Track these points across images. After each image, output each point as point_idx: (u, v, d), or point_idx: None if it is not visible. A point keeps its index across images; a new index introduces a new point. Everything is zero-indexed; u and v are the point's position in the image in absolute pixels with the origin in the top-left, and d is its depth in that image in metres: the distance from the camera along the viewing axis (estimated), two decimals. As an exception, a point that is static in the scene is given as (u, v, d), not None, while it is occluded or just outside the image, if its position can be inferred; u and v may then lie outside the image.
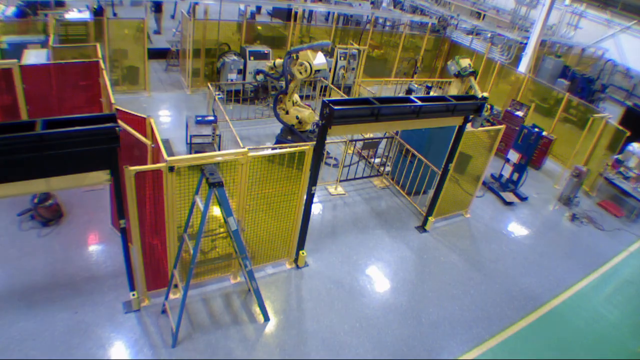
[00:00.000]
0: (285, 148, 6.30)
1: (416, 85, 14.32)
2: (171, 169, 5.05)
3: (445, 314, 6.83)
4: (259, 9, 21.65)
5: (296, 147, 6.26)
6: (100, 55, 8.45)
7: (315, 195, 6.87)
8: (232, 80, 12.27)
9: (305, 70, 8.48)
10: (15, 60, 7.22)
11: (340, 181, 9.45)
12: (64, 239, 6.76)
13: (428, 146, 9.10)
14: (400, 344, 6.16)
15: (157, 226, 5.54)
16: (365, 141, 10.01)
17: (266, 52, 12.69)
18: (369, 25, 16.13)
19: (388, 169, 10.23)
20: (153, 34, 15.16)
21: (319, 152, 6.11)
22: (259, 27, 14.48)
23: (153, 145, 5.81)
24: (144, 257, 5.56)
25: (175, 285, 6.08)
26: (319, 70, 8.62)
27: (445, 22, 17.78)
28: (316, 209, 8.66)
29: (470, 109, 7.30)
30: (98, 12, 12.57)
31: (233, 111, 11.53)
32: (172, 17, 18.43)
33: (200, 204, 4.99)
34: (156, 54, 13.81)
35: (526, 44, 15.28)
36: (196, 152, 8.31)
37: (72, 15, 11.06)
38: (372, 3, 20.99)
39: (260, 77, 10.15)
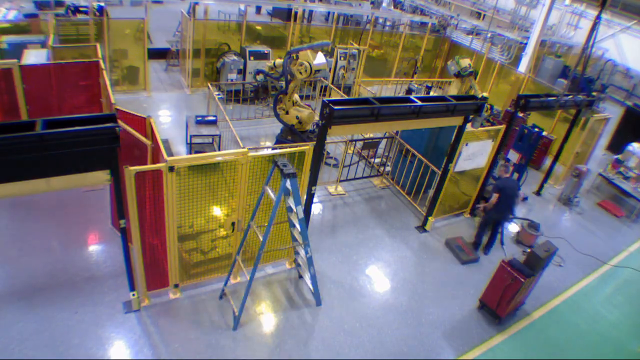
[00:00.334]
0: (285, 148, 6.30)
1: (416, 85, 14.32)
2: (171, 169, 5.06)
3: (445, 314, 6.83)
4: (259, 9, 21.66)
5: (296, 147, 6.25)
6: (100, 55, 8.46)
7: (315, 195, 6.86)
8: (232, 80, 12.27)
9: (305, 70, 8.47)
10: (15, 60, 7.23)
11: (340, 181, 9.45)
12: (64, 239, 6.76)
13: (428, 146, 9.10)
14: (400, 344, 6.16)
15: (157, 226, 5.54)
16: (365, 141, 10.01)
17: (266, 52, 12.69)
18: (369, 25, 16.13)
19: (388, 169, 10.23)
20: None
21: (319, 152, 6.11)
22: (259, 27, 14.49)
23: (153, 145, 5.81)
24: (144, 257, 5.56)
25: (175, 285, 6.09)
26: (319, 70, 8.62)
27: (445, 22, 17.79)
28: (316, 209, 8.66)
29: (470, 109, 7.31)
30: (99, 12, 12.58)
31: (233, 111, 11.53)
32: None
33: (271, 193, 5.45)
34: (156, 54, 13.81)
35: (526, 44, 15.30)
36: (196, 152, 8.31)
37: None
38: (372, 3, 21.00)
39: (260, 77, 10.14)
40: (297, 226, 5.67)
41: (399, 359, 5.96)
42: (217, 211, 6.11)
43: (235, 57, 12.40)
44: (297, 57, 8.56)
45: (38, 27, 11.02)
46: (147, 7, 11.97)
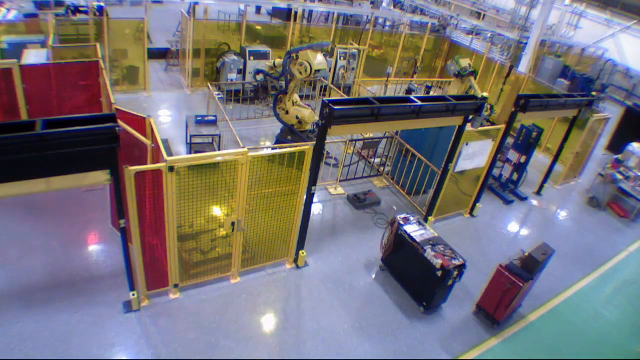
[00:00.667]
0: (285, 148, 6.30)
1: (416, 85, 14.32)
2: (171, 169, 5.06)
3: (445, 314, 6.83)
4: (259, 9, 21.66)
5: (296, 147, 6.26)
6: (100, 55, 8.46)
7: (315, 195, 6.87)
8: (232, 80, 12.27)
9: (305, 70, 8.48)
10: (15, 60, 7.23)
11: (340, 181, 9.45)
12: (64, 239, 6.76)
13: (428, 146, 9.10)
14: (400, 344, 6.16)
15: (157, 226, 5.54)
16: (365, 141, 10.01)
17: (266, 52, 12.69)
18: (369, 25, 16.13)
19: (388, 169, 10.23)
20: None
21: (319, 152, 6.11)
22: (259, 27, 14.48)
23: (153, 145, 5.81)
24: (144, 257, 5.55)
25: (175, 285, 6.09)
26: (319, 70, 8.63)
27: (445, 22, 17.79)
28: (316, 209, 8.66)
29: (470, 109, 7.31)
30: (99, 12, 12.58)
31: (233, 111, 11.53)
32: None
33: None
34: (156, 54, 13.81)
35: (526, 44, 15.30)
36: (196, 152, 8.31)
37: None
38: (372, 3, 21.00)
39: (260, 77, 10.14)
40: None
41: (399, 359, 5.96)
42: (217, 211, 6.10)
43: (235, 57, 12.40)
44: (297, 57, 8.57)
45: (38, 27, 11.02)
46: (147, 7, 11.98)
